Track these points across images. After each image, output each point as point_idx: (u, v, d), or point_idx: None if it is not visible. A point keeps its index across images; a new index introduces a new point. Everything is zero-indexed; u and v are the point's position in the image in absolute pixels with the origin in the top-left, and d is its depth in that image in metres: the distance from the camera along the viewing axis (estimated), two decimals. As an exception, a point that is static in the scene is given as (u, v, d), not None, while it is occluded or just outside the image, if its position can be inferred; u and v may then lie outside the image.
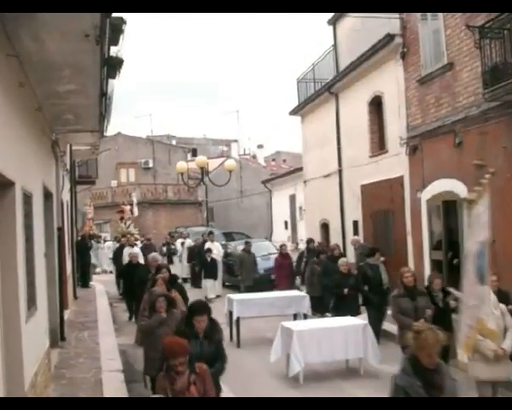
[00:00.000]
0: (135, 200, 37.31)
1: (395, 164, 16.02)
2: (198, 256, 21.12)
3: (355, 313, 11.84)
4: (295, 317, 13.27)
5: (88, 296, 18.79)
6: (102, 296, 18.85)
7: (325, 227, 22.22)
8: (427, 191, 14.40)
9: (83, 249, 21.74)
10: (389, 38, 15.48)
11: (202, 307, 6.32)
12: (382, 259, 13.91)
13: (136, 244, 23.70)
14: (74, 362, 10.24)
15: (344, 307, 11.73)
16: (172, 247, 24.17)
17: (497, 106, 11.34)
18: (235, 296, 13.80)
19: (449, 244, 13.60)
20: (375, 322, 11.64)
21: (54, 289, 10.92)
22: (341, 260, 13.02)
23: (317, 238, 21.68)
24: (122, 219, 34.25)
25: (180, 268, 23.04)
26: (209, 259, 19.41)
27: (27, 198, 7.11)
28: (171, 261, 22.96)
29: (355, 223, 19.17)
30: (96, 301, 17.85)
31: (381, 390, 9.14)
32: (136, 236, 28.65)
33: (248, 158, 52.61)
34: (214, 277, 19.45)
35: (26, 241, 6.95)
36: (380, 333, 11.67)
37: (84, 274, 21.75)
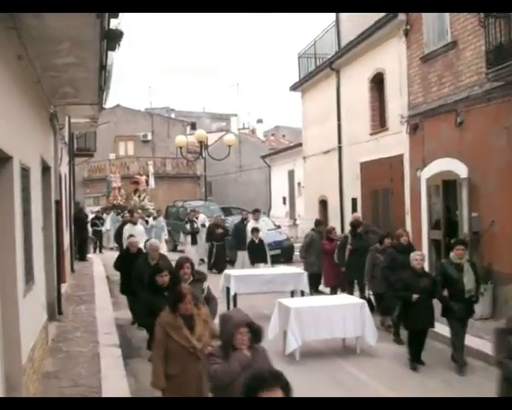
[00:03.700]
0: (151, 170, 35.91)
1: (395, 142, 15.94)
2: (236, 237, 18.73)
3: (429, 325, 9.42)
4: (293, 294, 13.28)
5: (85, 270, 18.84)
6: (100, 270, 18.87)
7: (323, 204, 22.20)
8: (426, 170, 14.34)
9: (80, 222, 21.70)
10: (392, 14, 15.28)
11: (274, 377, 3.29)
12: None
13: (147, 220, 21.81)
14: (71, 336, 10.26)
15: (414, 318, 9.20)
16: (195, 225, 20.81)
17: (501, 86, 11.24)
18: (233, 272, 13.78)
19: (448, 224, 13.60)
20: (459, 339, 9.16)
21: (51, 263, 10.90)
22: (415, 254, 9.63)
23: (316, 215, 21.69)
24: (136, 191, 33.27)
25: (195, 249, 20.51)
26: (257, 240, 16.77)
27: (25, 172, 7.04)
28: (195, 241, 20.49)
29: (354, 200, 19.13)
30: (93, 274, 17.89)
31: (377, 369, 9.24)
32: (151, 210, 27.54)
33: (247, 132, 52.41)
34: (264, 260, 16.87)
35: (24, 215, 6.89)
36: (463, 351, 9.18)
37: (81, 247, 21.75)
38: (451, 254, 9.34)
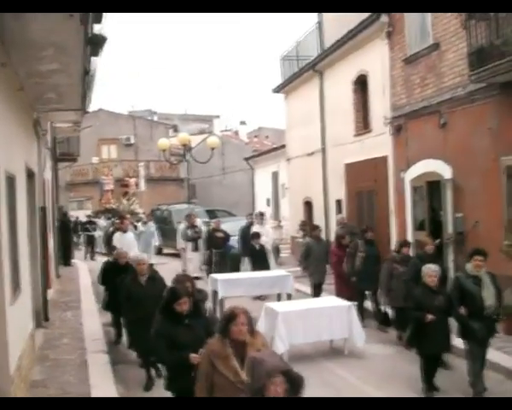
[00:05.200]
0: (142, 172, 35.39)
1: (379, 143, 16.01)
2: (243, 243, 17.07)
3: (445, 349, 8.34)
4: (279, 297, 13.30)
5: (70, 275, 18.72)
6: (85, 275, 18.75)
7: (308, 205, 22.24)
8: (411, 171, 14.43)
9: (64, 227, 21.58)
10: (375, 16, 15.34)
11: None
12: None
13: (136, 226, 20.40)
14: (58, 343, 10.18)
15: (428, 341, 7.99)
16: (197, 230, 18.85)
17: (483, 87, 11.35)
18: (219, 276, 13.75)
19: (432, 225, 13.69)
20: (477, 365, 7.89)
21: (37, 270, 10.83)
22: (428, 269, 8.29)
23: (301, 217, 21.75)
24: (126, 194, 32.78)
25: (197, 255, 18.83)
26: (257, 246, 15.57)
27: (10, 180, 7.00)
28: (196, 247, 18.74)
29: (338, 202, 19.20)
30: (78, 279, 17.78)
31: (365, 370, 9.27)
32: (140, 215, 26.59)
33: (230, 134, 52.29)
34: (265, 268, 15.20)
35: (10, 223, 6.85)
36: (482, 377, 7.96)
37: (66, 253, 21.60)
38: (468, 266, 8.15)
